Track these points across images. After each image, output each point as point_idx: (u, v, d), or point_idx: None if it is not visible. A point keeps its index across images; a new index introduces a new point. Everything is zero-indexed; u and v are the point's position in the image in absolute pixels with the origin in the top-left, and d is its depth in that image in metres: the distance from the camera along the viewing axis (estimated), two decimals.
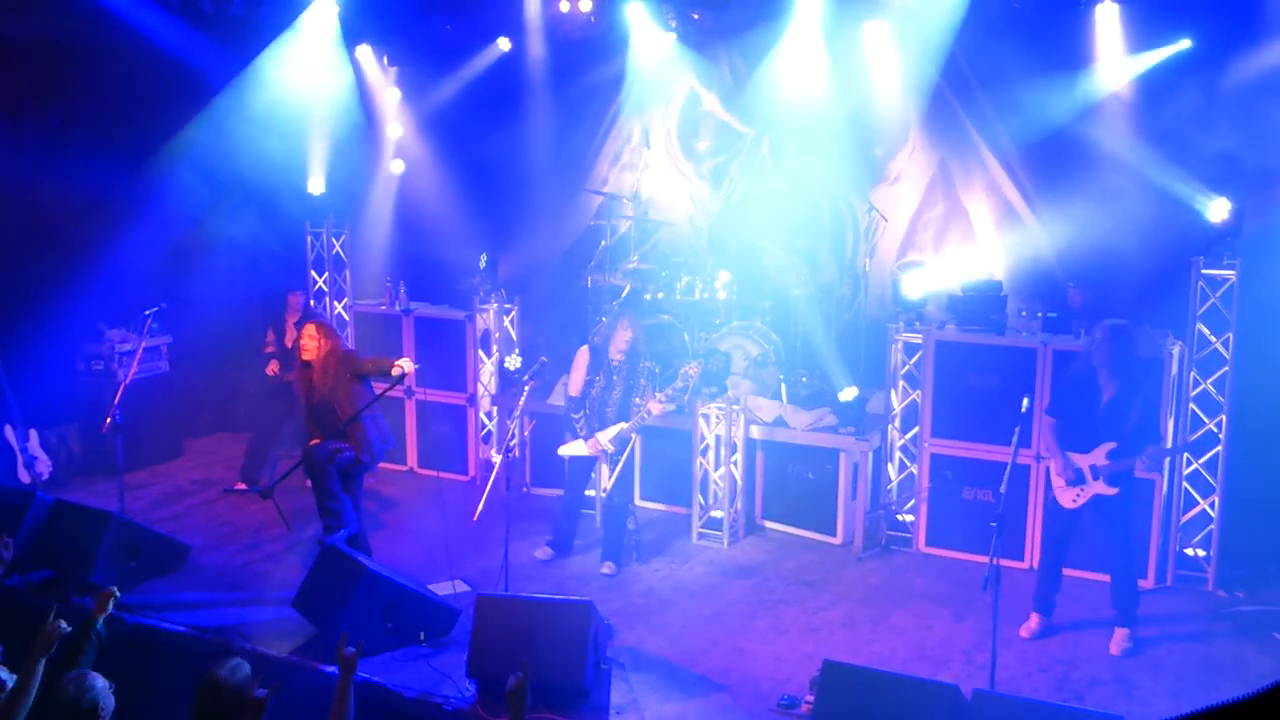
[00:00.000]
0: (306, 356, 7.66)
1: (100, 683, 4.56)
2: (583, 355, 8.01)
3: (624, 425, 7.78)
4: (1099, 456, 6.79)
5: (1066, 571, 7.65)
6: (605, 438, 7.81)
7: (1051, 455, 7.06)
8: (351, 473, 7.67)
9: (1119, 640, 6.83)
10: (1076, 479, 6.86)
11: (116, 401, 8.40)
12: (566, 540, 8.32)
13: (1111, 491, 6.80)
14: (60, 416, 10.14)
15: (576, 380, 8.00)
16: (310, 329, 7.81)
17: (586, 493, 8.49)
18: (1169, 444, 7.54)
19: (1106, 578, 7.38)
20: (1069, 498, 6.92)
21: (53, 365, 9.98)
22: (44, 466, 9.59)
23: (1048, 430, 7.11)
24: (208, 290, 10.59)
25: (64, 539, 7.70)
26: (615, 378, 7.84)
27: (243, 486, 9.80)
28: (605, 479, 7.93)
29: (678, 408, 8.30)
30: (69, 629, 4.78)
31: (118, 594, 5.54)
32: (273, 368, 9.82)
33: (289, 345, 9.80)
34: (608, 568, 8.07)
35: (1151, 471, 7.38)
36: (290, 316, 9.92)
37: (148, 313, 9.15)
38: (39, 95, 10.00)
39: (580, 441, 7.95)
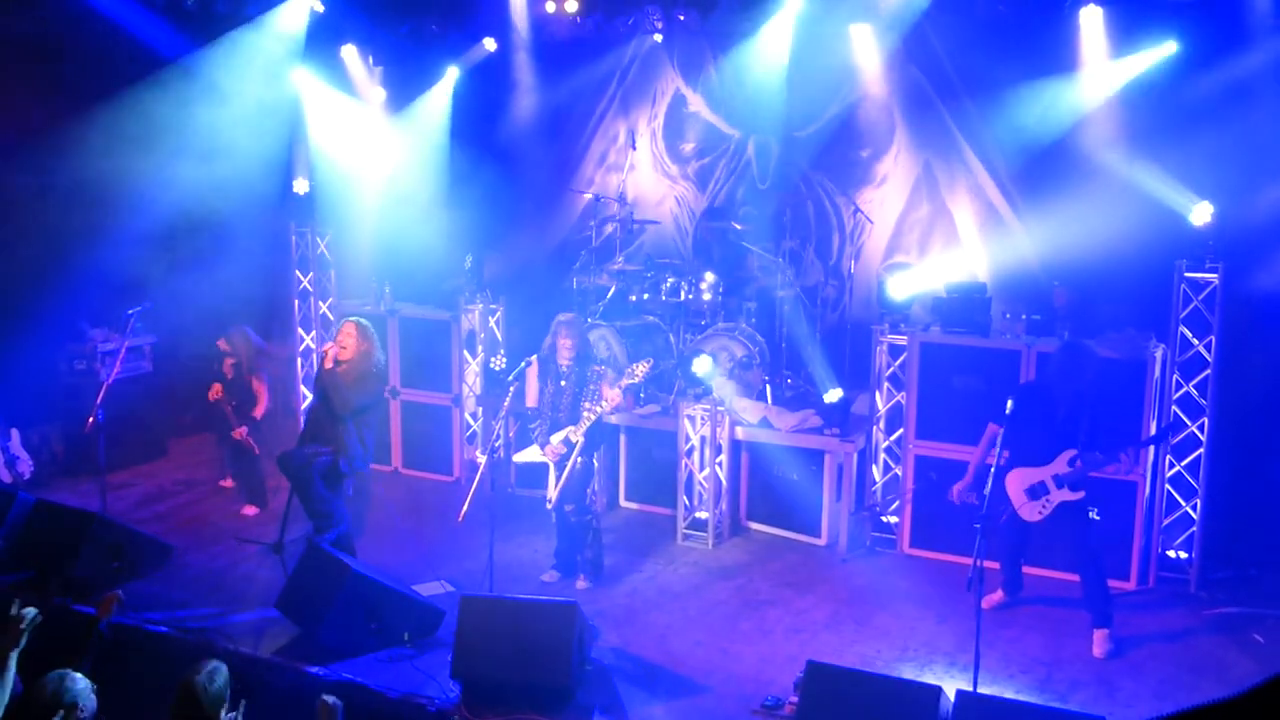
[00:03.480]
0: (342, 355, 7.65)
1: (81, 683, 4.53)
2: (532, 369, 7.87)
3: (571, 429, 7.54)
4: (1061, 465, 6.86)
5: (1049, 573, 7.72)
6: (555, 441, 7.59)
7: (1009, 472, 7.01)
8: (331, 476, 7.66)
9: (1100, 641, 6.86)
10: (1039, 491, 6.91)
11: (99, 401, 8.35)
12: (568, 561, 8.05)
13: (1078, 496, 6.87)
14: (42, 416, 10.09)
15: (531, 393, 7.87)
16: (350, 328, 7.84)
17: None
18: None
19: None
20: (1034, 511, 6.95)
21: (35, 364, 9.91)
22: (25, 466, 9.54)
23: (986, 440, 7.11)
24: (192, 290, 10.53)
25: (46, 539, 7.66)
26: (564, 383, 7.64)
27: (229, 484, 9.75)
28: (550, 487, 7.67)
29: (633, 404, 8.34)
30: (34, 613, 4.75)
31: (122, 598, 5.54)
32: (216, 392, 9.21)
33: (229, 379, 9.30)
34: (549, 575, 7.93)
35: (1131, 471, 7.43)
36: (226, 361, 9.37)
37: (131, 312, 9.10)
38: (23, 93, 9.94)
39: (535, 447, 7.76)
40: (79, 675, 4.58)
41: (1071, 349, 7.06)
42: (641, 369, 7.54)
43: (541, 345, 7.87)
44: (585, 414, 7.50)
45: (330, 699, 4.81)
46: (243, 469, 9.48)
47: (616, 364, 9.34)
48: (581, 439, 7.52)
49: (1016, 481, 7.01)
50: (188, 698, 4.58)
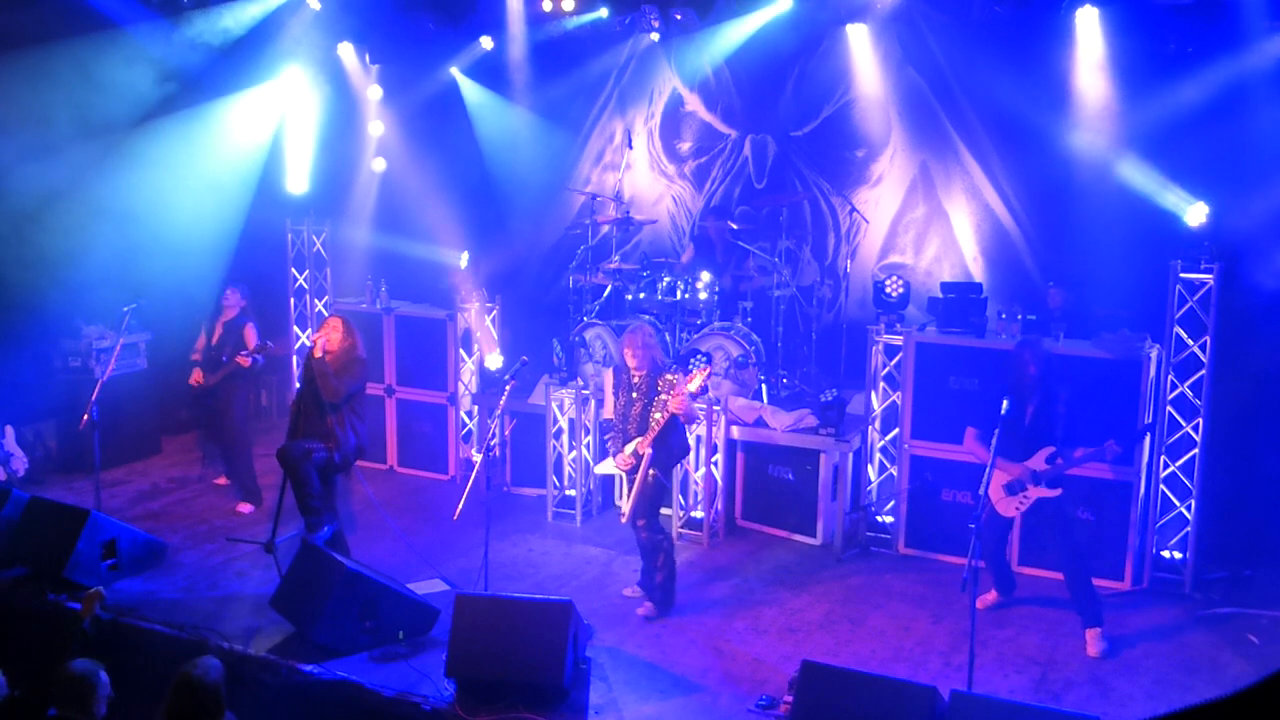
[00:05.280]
0: (329, 347, 7.67)
1: (106, 687, 4.57)
2: (608, 377, 7.56)
3: (639, 440, 7.22)
4: (1038, 462, 6.91)
5: (1044, 573, 7.73)
6: (626, 452, 7.29)
7: (995, 468, 6.99)
8: (325, 472, 7.66)
9: (1092, 640, 6.88)
10: (1017, 486, 6.95)
11: (94, 398, 8.34)
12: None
13: (1054, 493, 6.94)
14: (37, 413, 10.07)
15: (608, 404, 7.54)
16: (336, 322, 7.88)
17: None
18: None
19: None
20: (1011, 506, 7.02)
21: (29, 362, 9.91)
22: (20, 463, 9.53)
23: (974, 442, 7.22)
24: (187, 287, 10.52)
25: (40, 536, 7.65)
26: (635, 394, 7.28)
27: (224, 482, 9.73)
28: (623, 499, 7.44)
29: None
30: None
31: (104, 594, 5.54)
32: (196, 377, 9.28)
33: (214, 343, 9.33)
34: (643, 609, 7.40)
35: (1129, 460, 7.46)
36: (224, 316, 9.39)
37: (126, 309, 9.09)
38: (16, 88, 9.92)
39: (610, 460, 7.49)
40: (106, 678, 4.61)
41: (1018, 345, 7.19)
42: (699, 376, 7.13)
43: (619, 355, 7.60)
44: (653, 425, 7.17)
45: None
46: (235, 467, 9.48)
47: (613, 363, 9.34)
48: (649, 450, 7.17)
49: (995, 478, 7.05)
50: (184, 693, 4.57)
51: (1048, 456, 6.90)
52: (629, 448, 7.27)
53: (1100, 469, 7.65)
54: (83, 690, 4.52)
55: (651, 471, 7.17)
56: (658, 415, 7.12)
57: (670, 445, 7.27)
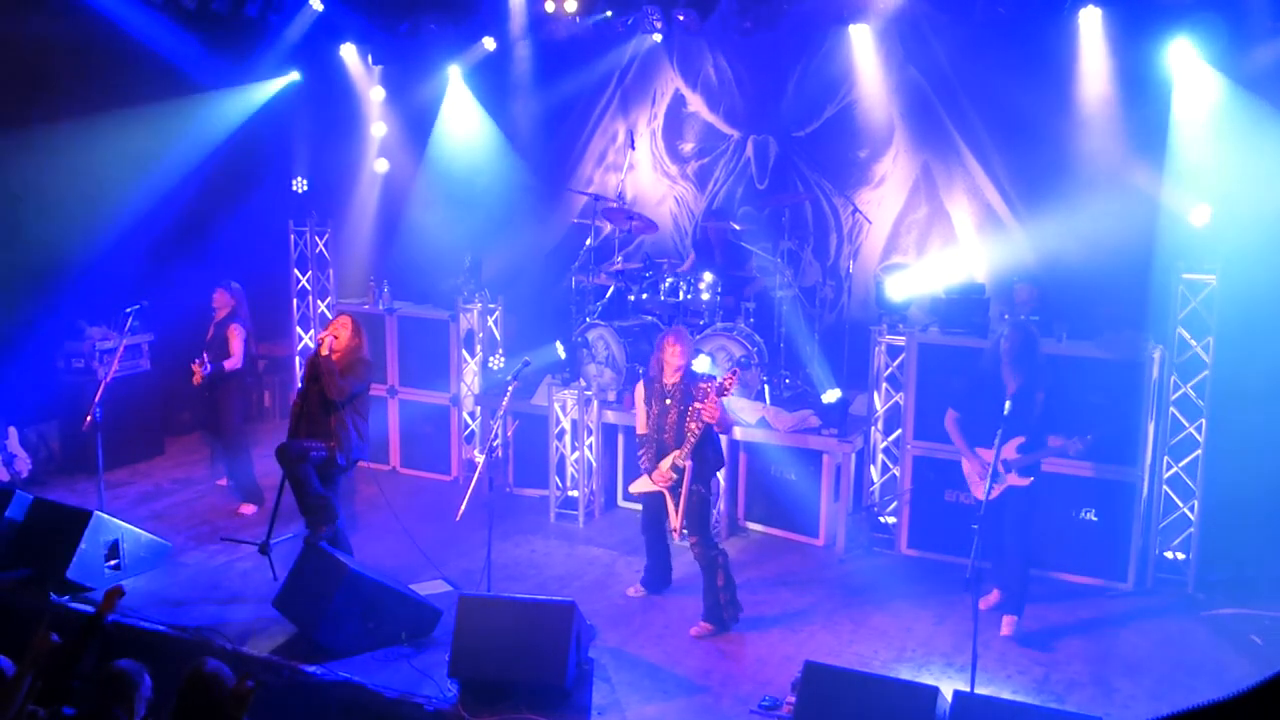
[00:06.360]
0: (335, 345, 7.65)
1: (149, 690, 4.58)
2: (639, 391, 7.41)
3: (676, 454, 7.04)
4: (1010, 450, 6.93)
5: (1045, 574, 7.73)
6: (664, 467, 7.13)
7: (962, 453, 7.26)
8: (327, 472, 7.63)
9: (1007, 624, 7.06)
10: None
11: (97, 399, 8.34)
12: (655, 578, 7.76)
13: (1025, 482, 6.97)
14: (40, 414, 10.08)
15: (640, 419, 7.38)
16: (346, 320, 7.81)
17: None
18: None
19: (1086, 579, 7.49)
20: (984, 490, 7.02)
21: (33, 363, 9.92)
22: (23, 464, 9.54)
23: (952, 425, 7.29)
24: (190, 288, 10.53)
25: (43, 537, 7.65)
26: (668, 402, 7.12)
27: (224, 483, 9.73)
28: (672, 516, 7.16)
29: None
30: (59, 640, 4.76)
31: (125, 591, 5.55)
32: (198, 375, 8.99)
33: (208, 342, 9.27)
34: (698, 629, 7.20)
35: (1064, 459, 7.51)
36: (215, 317, 9.32)
37: (129, 310, 9.09)
38: (20, 91, 9.94)
39: (646, 477, 7.27)
40: (149, 680, 4.63)
41: (1018, 329, 7.23)
42: (731, 381, 6.93)
43: (649, 365, 7.45)
44: (689, 435, 7.00)
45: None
46: (234, 468, 9.47)
47: (615, 364, 9.34)
48: (689, 462, 7.01)
49: (971, 464, 7.16)
50: (199, 688, 4.55)
51: (1020, 445, 6.92)
52: (665, 463, 7.11)
53: (1103, 470, 7.66)
54: (125, 689, 4.53)
55: (695, 487, 7.10)
56: (694, 425, 6.98)
57: (706, 456, 7.15)
